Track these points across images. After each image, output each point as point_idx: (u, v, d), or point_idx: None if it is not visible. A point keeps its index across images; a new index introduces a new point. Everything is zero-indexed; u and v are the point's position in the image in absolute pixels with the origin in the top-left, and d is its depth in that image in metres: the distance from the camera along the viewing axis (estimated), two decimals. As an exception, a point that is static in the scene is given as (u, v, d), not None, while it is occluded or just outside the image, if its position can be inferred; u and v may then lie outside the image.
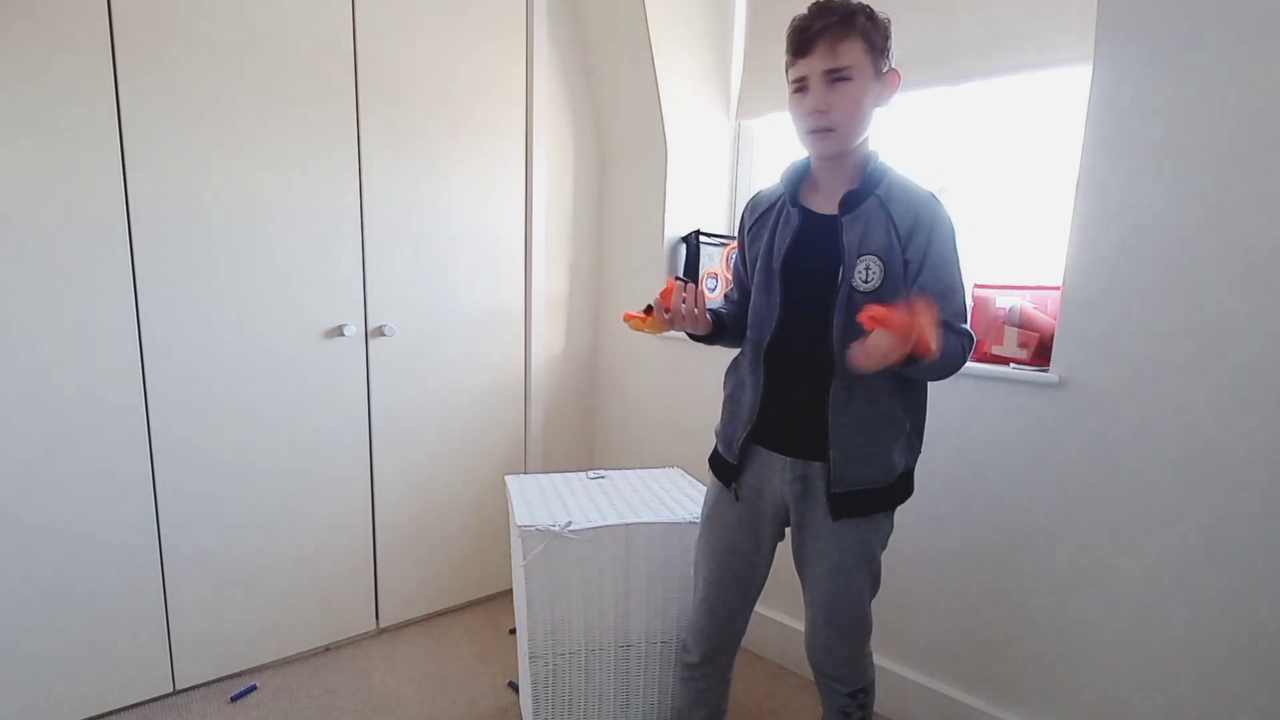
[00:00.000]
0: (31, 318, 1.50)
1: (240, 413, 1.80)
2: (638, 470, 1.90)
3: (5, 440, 1.50)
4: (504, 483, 1.88)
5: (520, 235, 2.27)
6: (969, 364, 1.26)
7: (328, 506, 1.99)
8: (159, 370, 1.66)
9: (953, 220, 1.15)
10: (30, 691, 1.60)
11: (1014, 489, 1.55)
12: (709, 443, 1.38)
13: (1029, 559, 1.54)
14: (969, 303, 1.21)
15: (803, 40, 1.11)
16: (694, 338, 1.32)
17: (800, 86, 1.13)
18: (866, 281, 1.13)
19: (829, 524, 1.20)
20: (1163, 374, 1.33)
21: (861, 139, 1.16)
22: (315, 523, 1.97)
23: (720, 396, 1.35)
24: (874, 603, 1.26)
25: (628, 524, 1.52)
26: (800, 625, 1.34)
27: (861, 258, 1.13)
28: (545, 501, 1.63)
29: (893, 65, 1.14)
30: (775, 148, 2.29)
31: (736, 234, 1.39)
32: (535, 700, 1.56)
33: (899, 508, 1.24)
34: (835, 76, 1.09)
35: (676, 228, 2.27)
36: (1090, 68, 1.38)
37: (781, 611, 2.03)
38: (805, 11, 1.12)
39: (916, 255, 1.12)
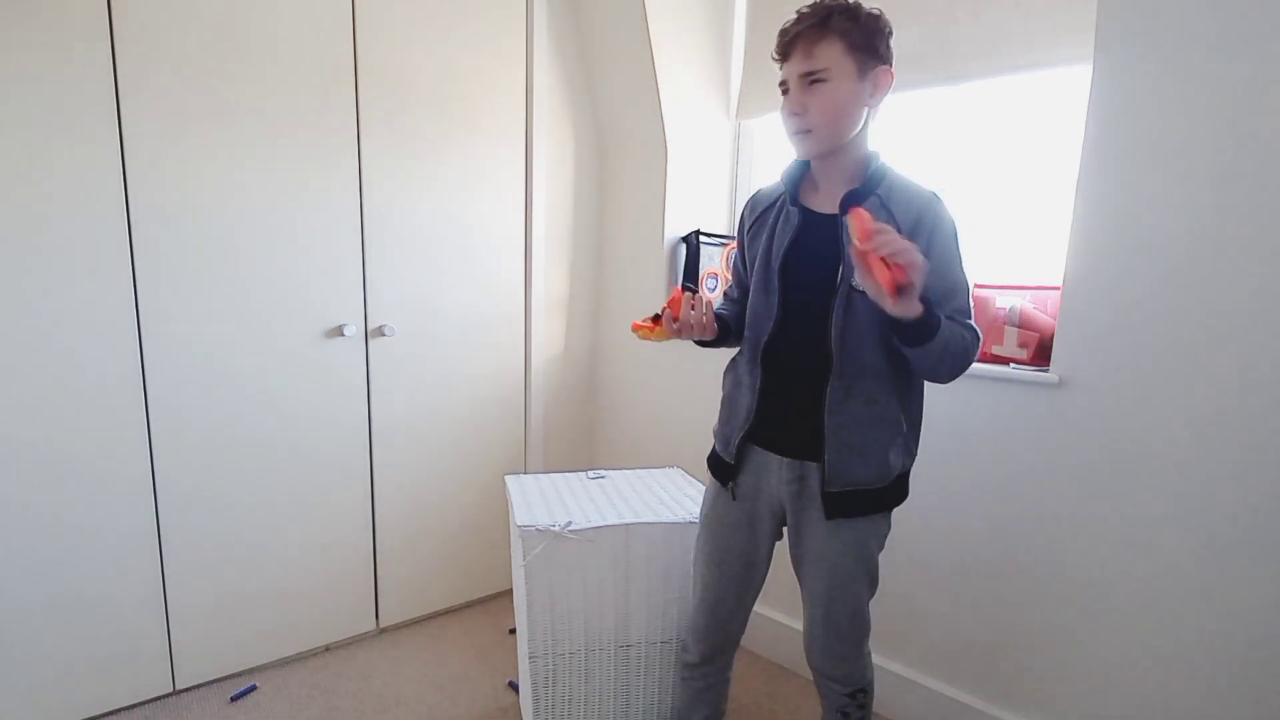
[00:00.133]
0: (31, 319, 1.50)
1: (240, 413, 1.80)
2: (638, 470, 1.90)
3: (5, 440, 1.50)
4: (504, 483, 1.88)
5: (520, 235, 2.27)
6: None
7: (328, 506, 1.99)
8: (159, 370, 1.66)
9: (955, 220, 1.14)
10: (30, 692, 1.60)
11: (1014, 488, 1.55)
12: (709, 443, 1.38)
13: (1029, 559, 1.54)
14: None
15: (781, 44, 1.14)
16: (700, 343, 1.32)
17: (784, 89, 1.16)
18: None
19: (825, 524, 1.19)
20: (1163, 374, 1.33)
21: (849, 138, 1.15)
22: (315, 523, 1.97)
23: (720, 396, 1.35)
24: (873, 602, 1.26)
25: (628, 524, 1.52)
26: (800, 625, 1.33)
27: None
28: (545, 501, 1.63)
29: (886, 63, 1.13)
30: (775, 148, 2.29)
31: (736, 233, 1.39)
32: (535, 700, 1.56)
33: (898, 508, 1.24)
34: (811, 79, 1.11)
35: (676, 227, 2.27)
36: (1090, 68, 1.38)
37: (781, 611, 2.03)
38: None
39: None
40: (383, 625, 2.15)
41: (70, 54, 1.48)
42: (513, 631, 2.15)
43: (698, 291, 1.26)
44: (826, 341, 1.15)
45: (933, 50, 1.73)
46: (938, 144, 1.84)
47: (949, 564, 1.67)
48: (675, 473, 1.89)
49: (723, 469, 1.31)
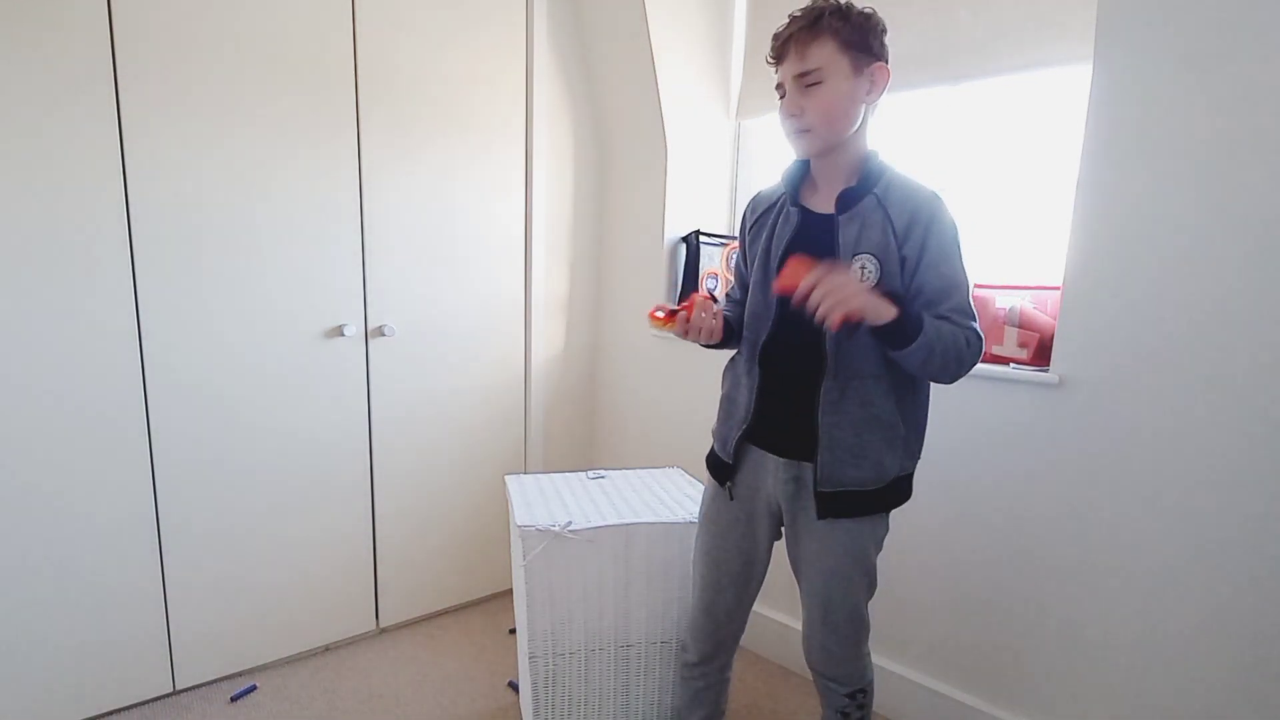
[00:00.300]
0: (30, 319, 1.50)
1: (240, 413, 1.80)
2: (638, 470, 1.90)
3: (4, 440, 1.50)
4: (504, 483, 1.88)
5: (520, 234, 2.27)
6: (968, 364, 1.26)
7: (328, 506, 1.99)
8: (159, 370, 1.66)
9: (955, 219, 1.14)
10: (30, 691, 1.60)
11: (1014, 488, 1.55)
12: (709, 442, 1.38)
13: (1029, 558, 1.54)
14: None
15: (775, 47, 1.16)
16: (705, 345, 1.32)
17: (780, 92, 1.18)
18: (862, 280, 1.12)
19: (820, 524, 1.20)
20: (1163, 374, 1.33)
21: (848, 136, 1.16)
22: (315, 522, 1.97)
23: (719, 395, 1.35)
24: (873, 603, 1.26)
25: (628, 524, 1.52)
26: (800, 625, 1.33)
27: (857, 256, 1.13)
28: (545, 501, 1.64)
29: (882, 59, 1.13)
30: (775, 148, 2.29)
31: (738, 233, 1.39)
32: (535, 700, 1.56)
33: (897, 508, 1.24)
34: (807, 80, 1.12)
35: (676, 227, 2.27)
36: (1090, 68, 1.38)
37: (781, 611, 2.03)
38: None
39: (913, 252, 1.12)
40: (383, 625, 2.15)
41: (71, 54, 1.48)
42: (513, 631, 2.15)
43: (717, 302, 1.28)
44: (822, 343, 1.15)
45: (932, 50, 1.73)
46: (938, 144, 1.84)
47: (949, 564, 1.67)
48: (675, 473, 1.89)
49: (721, 468, 1.32)
